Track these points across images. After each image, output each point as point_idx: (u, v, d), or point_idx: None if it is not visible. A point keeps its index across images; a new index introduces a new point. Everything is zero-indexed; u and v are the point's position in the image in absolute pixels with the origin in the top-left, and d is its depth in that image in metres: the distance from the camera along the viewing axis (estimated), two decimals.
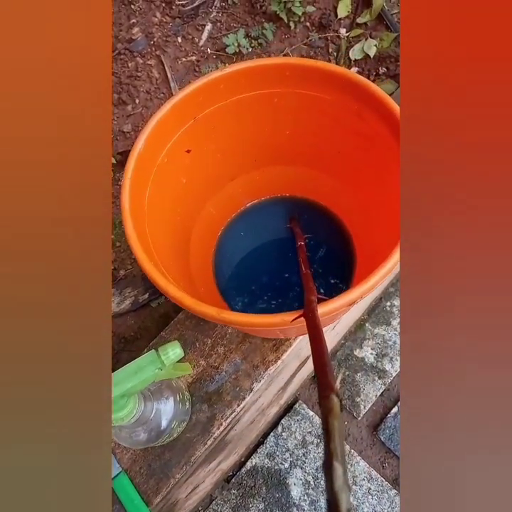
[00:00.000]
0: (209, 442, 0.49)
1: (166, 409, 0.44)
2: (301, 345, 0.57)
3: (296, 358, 0.60)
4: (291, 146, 0.47)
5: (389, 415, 0.95)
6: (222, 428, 0.50)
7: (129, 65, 1.02)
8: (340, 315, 0.39)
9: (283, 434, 0.96)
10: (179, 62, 1.02)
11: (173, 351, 0.37)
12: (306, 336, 0.54)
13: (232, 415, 0.50)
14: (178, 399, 0.45)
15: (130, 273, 0.78)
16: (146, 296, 0.74)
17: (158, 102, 0.98)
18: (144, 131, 0.38)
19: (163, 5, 1.09)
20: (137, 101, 0.98)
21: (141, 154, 0.37)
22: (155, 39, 1.03)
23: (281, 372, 0.58)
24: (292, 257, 0.55)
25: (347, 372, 0.99)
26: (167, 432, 0.45)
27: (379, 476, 0.91)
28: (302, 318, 0.29)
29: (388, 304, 1.03)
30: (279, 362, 0.51)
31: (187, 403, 0.48)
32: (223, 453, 0.63)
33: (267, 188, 0.54)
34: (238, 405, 0.50)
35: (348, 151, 0.44)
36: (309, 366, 0.80)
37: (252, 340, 0.52)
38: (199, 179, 0.46)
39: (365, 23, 0.97)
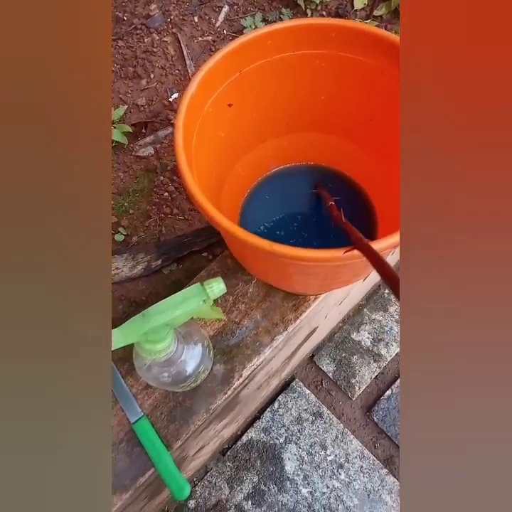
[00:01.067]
0: (229, 392, 0.51)
1: (194, 354, 0.45)
2: (315, 312, 0.60)
3: (307, 325, 0.62)
4: (324, 113, 0.49)
5: (383, 397, 0.98)
6: (241, 379, 0.51)
7: (145, 40, 1.03)
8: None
9: (279, 410, 0.98)
10: (195, 41, 1.03)
11: (218, 285, 0.38)
12: (323, 296, 0.56)
13: (252, 368, 0.52)
14: (205, 345, 0.47)
15: (143, 239, 0.80)
16: (159, 262, 0.75)
17: (173, 78, 0.99)
18: (196, 75, 0.39)
19: None
20: (152, 76, 0.99)
21: (193, 97, 0.39)
22: (172, 17, 1.05)
23: (296, 335, 0.60)
24: (313, 223, 0.57)
25: (344, 355, 1.02)
26: (193, 376, 0.46)
27: (371, 455, 0.94)
28: (354, 252, 0.31)
29: (386, 291, 1.06)
30: (298, 321, 0.53)
31: (211, 352, 0.50)
32: (231, 414, 0.64)
33: (295, 154, 0.56)
34: (258, 359, 0.52)
35: (382, 118, 0.46)
36: (313, 341, 0.82)
37: (272, 300, 0.54)
38: (235, 136, 0.48)
39: (381, 16, 1.00)
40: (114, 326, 0.70)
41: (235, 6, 1.07)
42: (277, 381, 0.88)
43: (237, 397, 0.58)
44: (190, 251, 0.76)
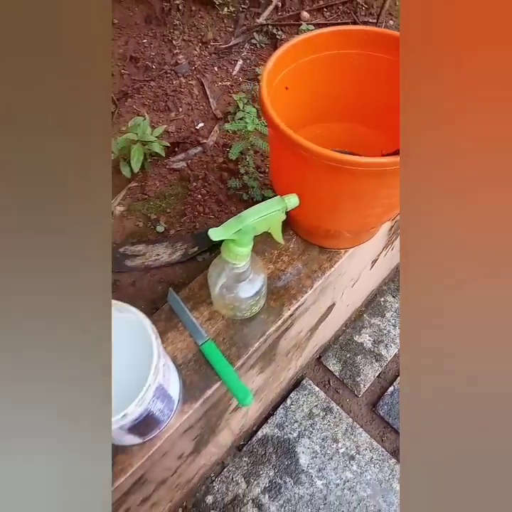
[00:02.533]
0: (280, 322, 0.60)
1: (258, 278, 0.55)
2: (342, 271, 0.71)
3: (331, 288, 0.73)
4: (352, 104, 0.64)
5: (386, 393, 1.06)
6: (289, 312, 0.61)
7: (174, 82, 1.22)
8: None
9: (291, 406, 1.04)
10: (216, 85, 1.23)
11: (293, 198, 0.50)
12: (349, 254, 0.67)
13: (297, 304, 0.62)
14: (265, 276, 0.57)
15: (179, 232, 0.91)
16: (196, 249, 0.86)
17: (198, 112, 1.16)
18: (272, 57, 0.54)
19: (200, 44, 1.32)
20: (180, 109, 1.16)
21: (269, 72, 0.53)
22: (196, 66, 1.25)
23: (326, 290, 0.70)
24: None
25: (348, 355, 1.11)
26: (256, 296, 0.56)
27: (380, 446, 1.00)
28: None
29: (382, 299, 1.19)
30: (332, 269, 0.64)
31: (266, 287, 0.60)
32: (267, 371, 0.72)
33: (325, 140, 0.69)
34: (302, 297, 0.62)
35: None
36: (326, 327, 0.92)
37: (310, 253, 0.66)
38: (286, 117, 0.61)
39: None
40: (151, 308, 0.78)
41: (248, 60, 1.29)
42: (293, 372, 0.95)
43: (277, 343, 0.67)
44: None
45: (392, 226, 0.81)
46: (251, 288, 0.55)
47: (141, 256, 0.88)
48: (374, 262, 0.88)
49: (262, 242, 0.67)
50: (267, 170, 1.01)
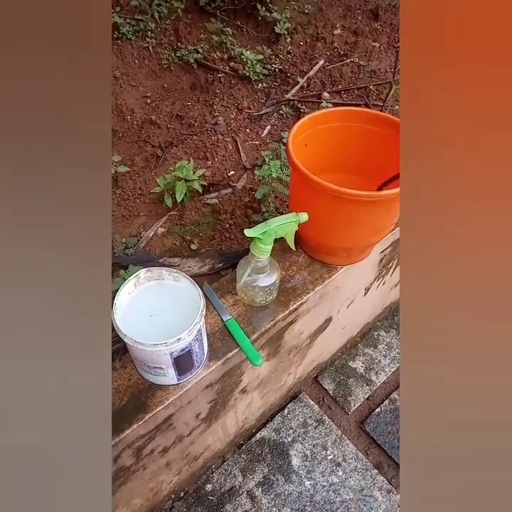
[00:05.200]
0: (286, 312, 0.81)
1: (274, 274, 0.77)
2: (338, 284, 0.93)
3: (329, 298, 0.94)
4: (350, 160, 0.89)
5: (374, 413, 1.23)
6: (294, 306, 0.82)
7: (212, 138, 1.52)
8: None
9: (288, 415, 1.21)
10: (247, 143, 1.52)
11: (304, 215, 0.72)
12: (344, 272, 0.89)
13: (300, 301, 0.83)
14: (279, 274, 0.79)
15: (208, 251, 1.14)
16: (221, 265, 1.09)
17: (230, 163, 1.44)
18: (297, 123, 0.80)
19: (236, 110, 1.63)
20: (216, 159, 1.45)
21: (293, 134, 0.79)
22: (232, 126, 1.55)
23: (324, 297, 0.92)
24: None
25: (342, 377, 1.29)
26: (272, 287, 0.77)
27: (364, 457, 1.16)
28: (382, 192, 0.67)
29: (376, 333, 1.39)
30: (330, 279, 0.86)
31: (279, 283, 0.82)
32: (272, 361, 0.91)
33: None
34: (305, 296, 0.84)
35: (392, 166, 0.85)
36: (328, 338, 1.11)
37: (314, 267, 0.88)
38: (303, 165, 0.87)
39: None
40: None
41: (275, 126, 1.59)
42: (292, 380, 1.14)
43: (283, 334, 0.87)
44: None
45: (382, 259, 1.04)
46: (268, 280, 0.78)
47: (176, 267, 1.11)
48: (367, 289, 1.10)
49: (278, 256, 0.90)
50: (284, 212, 1.26)
